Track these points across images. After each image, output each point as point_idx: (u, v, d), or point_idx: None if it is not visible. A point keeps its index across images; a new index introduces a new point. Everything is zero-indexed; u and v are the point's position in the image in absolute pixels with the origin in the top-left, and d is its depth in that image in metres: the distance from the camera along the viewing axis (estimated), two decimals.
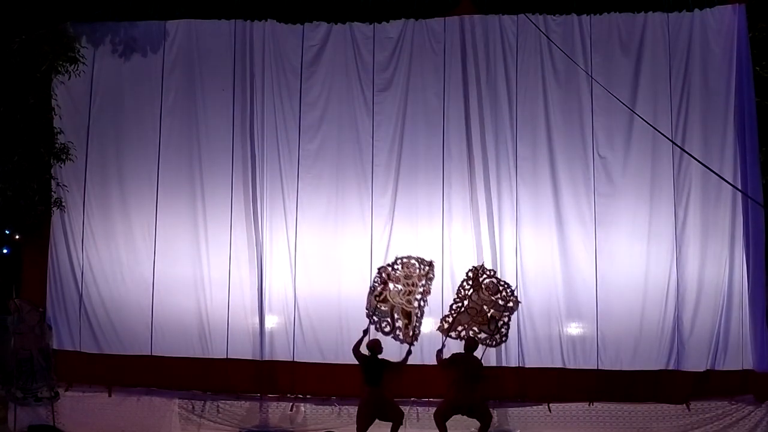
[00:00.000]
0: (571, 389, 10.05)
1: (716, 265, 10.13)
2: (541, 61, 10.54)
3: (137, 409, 10.31)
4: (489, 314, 9.46)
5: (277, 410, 10.30)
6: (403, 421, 9.26)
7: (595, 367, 10.06)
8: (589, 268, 10.22)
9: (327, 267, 10.47)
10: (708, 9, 10.39)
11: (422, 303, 9.48)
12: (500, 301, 9.50)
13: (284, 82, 10.77)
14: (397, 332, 9.44)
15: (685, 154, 9.88)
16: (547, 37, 10.34)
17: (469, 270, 9.70)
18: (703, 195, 10.22)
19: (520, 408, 10.10)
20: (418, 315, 9.44)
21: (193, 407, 10.31)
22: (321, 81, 10.75)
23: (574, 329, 10.19)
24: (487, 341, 9.48)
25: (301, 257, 10.49)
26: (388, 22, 10.72)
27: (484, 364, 9.45)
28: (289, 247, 10.53)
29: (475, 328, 9.45)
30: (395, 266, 9.57)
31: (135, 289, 10.57)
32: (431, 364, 9.72)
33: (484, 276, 9.59)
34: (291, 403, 10.29)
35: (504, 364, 10.09)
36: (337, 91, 10.72)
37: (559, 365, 10.10)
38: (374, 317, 9.46)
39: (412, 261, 9.62)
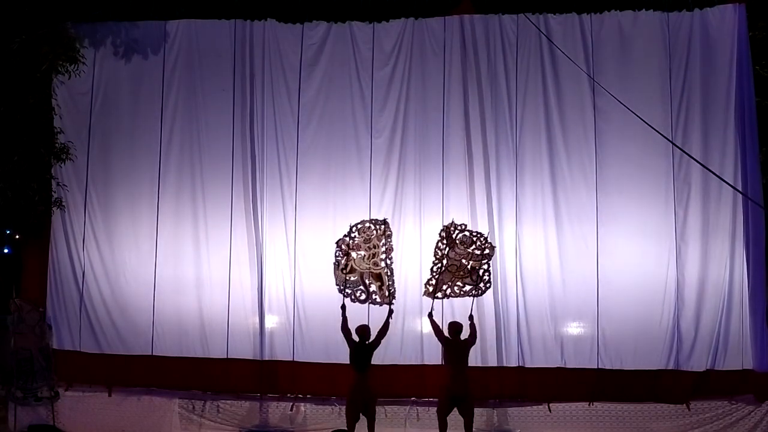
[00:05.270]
0: (571, 389, 10.04)
1: (716, 264, 10.12)
2: (541, 61, 10.53)
3: (137, 409, 10.32)
4: (468, 266, 9.51)
5: (277, 410, 10.30)
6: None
7: (595, 367, 10.06)
8: (590, 268, 10.20)
9: (327, 266, 10.39)
10: (708, 8, 10.38)
11: (389, 261, 9.56)
12: (476, 251, 9.53)
13: (284, 82, 10.77)
14: (373, 296, 9.54)
15: (685, 154, 9.87)
16: (547, 38, 10.33)
17: (441, 230, 9.70)
18: (703, 194, 10.21)
19: (520, 408, 10.10)
20: (388, 274, 9.53)
21: (194, 407, 10.31)
22: (320, 80, 10.74)
23: (574, 329, 10.19)
24: (473, 291, 9.51)
25: (300, 257, 10.49)
26: (387, 21, 10.72)
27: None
28: (288, 246, 10.53)
29: (459, 283, 9.49)
30: (352, 235, 9.61)
31: (135, 288, 10.59)
32: (431, 364, 9.76)
33: (456, 231, 9.61)
34: (291, 403, 10.29)
35: (504, 364, 10.10)
36: (337, 90, 10.72)
37: (559, 365, 10.10)
38: (347, 290, 9.54)
39: (367, 224, 9.68)
